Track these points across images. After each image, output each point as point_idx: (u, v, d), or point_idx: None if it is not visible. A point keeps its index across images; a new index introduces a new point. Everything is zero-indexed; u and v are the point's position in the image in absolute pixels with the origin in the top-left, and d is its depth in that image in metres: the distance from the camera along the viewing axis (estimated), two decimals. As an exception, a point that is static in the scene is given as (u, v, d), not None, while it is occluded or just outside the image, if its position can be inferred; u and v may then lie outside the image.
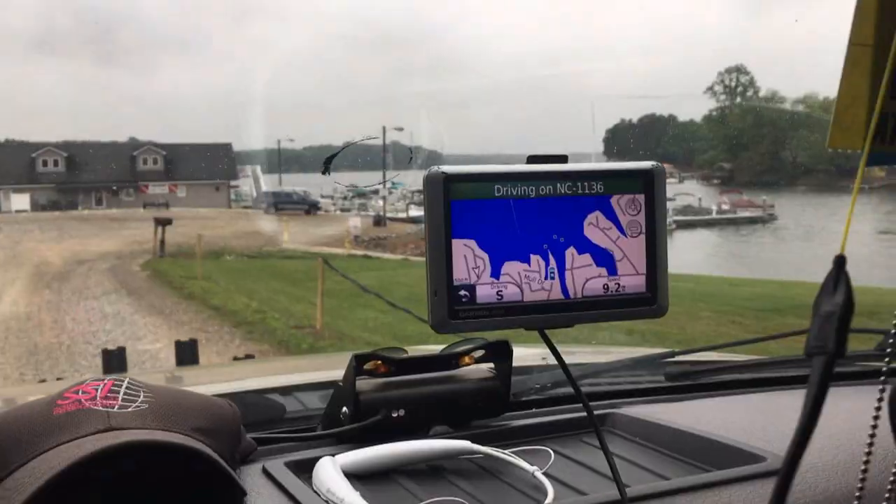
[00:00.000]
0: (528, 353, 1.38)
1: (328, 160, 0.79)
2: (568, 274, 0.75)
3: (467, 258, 0.72)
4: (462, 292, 0.72)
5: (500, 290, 0.73)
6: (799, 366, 1.28)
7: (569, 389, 1.22)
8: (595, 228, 0.75)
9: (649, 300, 0.77)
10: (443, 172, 0.71)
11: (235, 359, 2.68)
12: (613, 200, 0.76)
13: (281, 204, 36.77)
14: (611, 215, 0.76)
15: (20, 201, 39.33)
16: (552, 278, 0.74)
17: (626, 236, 0.76)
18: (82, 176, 41.48)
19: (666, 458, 0.95)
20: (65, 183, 41.08)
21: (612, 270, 0.76)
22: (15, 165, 41.02)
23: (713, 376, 1.25)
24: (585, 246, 0.75)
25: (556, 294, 0.75)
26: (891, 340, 0.55)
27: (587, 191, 0.75)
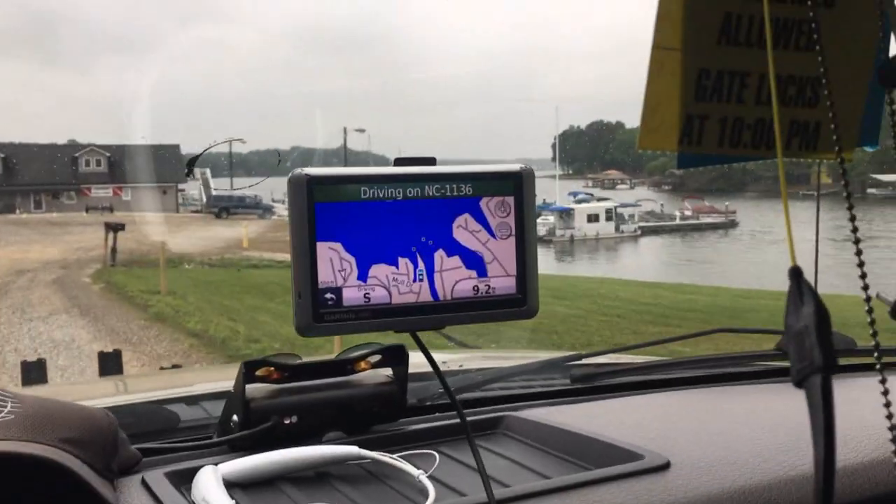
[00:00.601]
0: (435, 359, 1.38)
1: (191, 161, 0.77)
2: (437, 276, 0.75)
3: (333, 261, 0.72)
4: (328, 295, 0.71)
5: (368, 293, 0.73)
6: (695, 366, 1.31)
7: (470, 394, 1.23)
8: (464, 231, 0.75)
9: (520, 301, 0.77)
10: (306, 175, 0.71)
11: (162, 368, 2.61)
12: (483, 203, 0.76)
13: (233, 208, 36.11)
14: (480, 218, 0.76)
15: (-47, 204, 37.79)
16: (421, 280, 0.74)
17: (495, 238, 0.76)
18: (20, 178, 39.97)
19: (552, 459, 0.96)
20: (0, 185, 39.58)
21: (482, 272, 0.76)
22: (-52, 167, 39.46)
23: (613, 378, 1.27)
24: (455, 248, 0.75)
25: (426, 296, 0.74)
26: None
27: (456, 193, 0.75)
